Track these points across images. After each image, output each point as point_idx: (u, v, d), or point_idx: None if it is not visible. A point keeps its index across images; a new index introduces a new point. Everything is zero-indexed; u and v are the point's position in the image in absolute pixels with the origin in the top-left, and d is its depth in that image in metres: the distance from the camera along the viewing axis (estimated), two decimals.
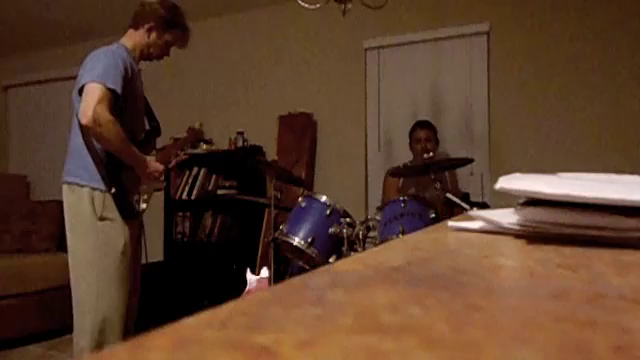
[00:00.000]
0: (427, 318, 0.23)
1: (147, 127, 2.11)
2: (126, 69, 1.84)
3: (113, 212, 1.84)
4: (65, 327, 1.99)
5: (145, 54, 2.04)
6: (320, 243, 2.21)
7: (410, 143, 3.00)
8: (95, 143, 1.82)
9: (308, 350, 0.18)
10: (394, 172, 2.63)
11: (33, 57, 4.90)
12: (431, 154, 2.65)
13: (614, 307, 0.25)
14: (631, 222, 0.43)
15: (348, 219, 2.27)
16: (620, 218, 0.44)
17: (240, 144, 3.82)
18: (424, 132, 2.92)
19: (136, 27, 2.01)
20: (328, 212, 2.26)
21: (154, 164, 1.97)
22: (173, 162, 2.20)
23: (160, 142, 2.21)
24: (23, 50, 4.89)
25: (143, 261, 2.07)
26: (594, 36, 3.09)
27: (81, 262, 1.84)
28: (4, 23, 4.25)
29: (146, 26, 2.00)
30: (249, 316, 0.23)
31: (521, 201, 0.51)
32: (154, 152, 2.10)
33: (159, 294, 3.22)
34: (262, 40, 3.99)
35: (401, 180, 2.92)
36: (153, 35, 2.01)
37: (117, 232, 1.85)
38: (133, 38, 2.01)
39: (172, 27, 2.04)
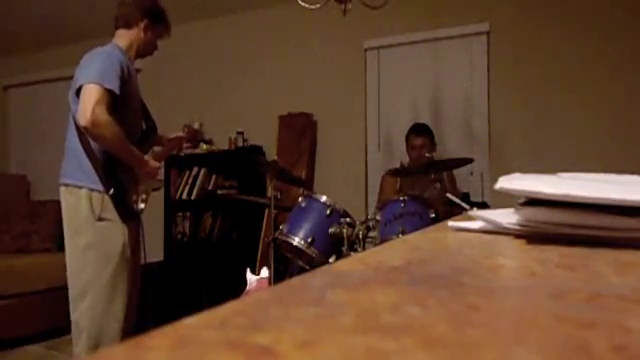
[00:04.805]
0: (427, 318, 0.23)
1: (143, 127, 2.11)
2: (123, 69, 1.83)
3: (111, 213, 1.83)
4: (65, 327, 1.99)
5: (141, 52, 2.04)
6: (320, 243, 2.21)
7: (406, 147, 2.95)
8: (92, 144, 1.81)
9: (308, 350, 0.18)
10: (393, 172, 2.62)
11: (33, 57, 4.90)
12: (427, 155, 2.64)
13: (614, 307, 0.25)
14: (631, 222, 0.43)
15: (348, 219, 2.27)
16: (620, 218, 0.44)
17: (240, 144, 3.82)
18: (420, 139, 2.84)
19: (129, 26, 2.00)
20: (328, 212, 2.26)
21: (152, 162, 1.97)
22: (176, 150, 2.21)
23: None
24: (23, 50, 4.88)
25: (143, 261, 2.07)
26: (594, 36, 3.08)
27: (79, 263, 1.84)
28: (4, 23, 4.25)
29: (141, 24, 1.99)
30: (249, 316, 0.23)
31: (521, 201, 0.51)
32: (151, 151, 2.10)
33: (159, 294, 3.22)
34: (262, 40, 3.99)
35: (399, 181, 2.90)
36: (149, 32, 2.01)
37: (116, 233, 1.85)
38: (128, 37, 1.99)
39: (160, 20, 2.05)
